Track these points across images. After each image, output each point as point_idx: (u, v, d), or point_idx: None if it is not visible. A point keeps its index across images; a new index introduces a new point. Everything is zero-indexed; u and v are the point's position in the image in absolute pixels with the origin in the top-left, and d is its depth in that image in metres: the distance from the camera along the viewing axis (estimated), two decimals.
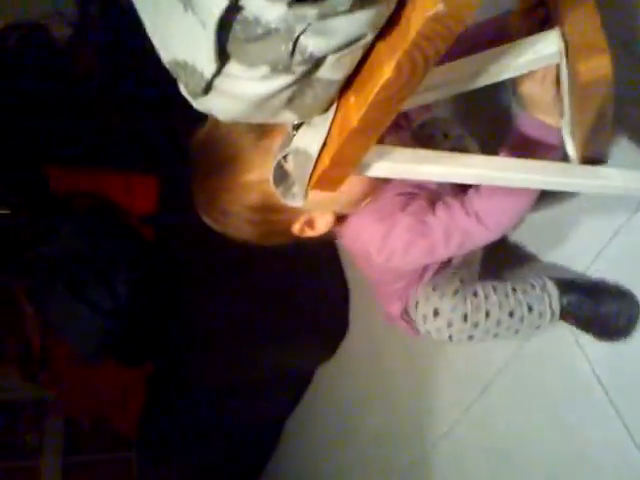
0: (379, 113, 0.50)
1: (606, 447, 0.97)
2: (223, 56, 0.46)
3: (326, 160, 0.57)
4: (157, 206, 2.08)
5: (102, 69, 2.06)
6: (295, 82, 0.48)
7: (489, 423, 1.24)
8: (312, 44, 0.42)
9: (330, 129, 0.56)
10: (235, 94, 0.50)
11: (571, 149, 0.73)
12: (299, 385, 2.13)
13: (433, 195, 0.87)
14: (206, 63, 0.47)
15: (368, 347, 1.77)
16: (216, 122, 0.78)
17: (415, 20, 0.42)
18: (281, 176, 0.66)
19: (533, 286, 0.97)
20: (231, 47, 0.45)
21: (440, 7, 0.39)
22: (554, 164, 0.71)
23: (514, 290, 0.96)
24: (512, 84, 0.92)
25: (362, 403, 1.78)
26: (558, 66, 0.69)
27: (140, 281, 1.91)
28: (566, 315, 0.98)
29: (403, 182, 0.88)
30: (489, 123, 1.16)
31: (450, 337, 0.94)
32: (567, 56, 0.60)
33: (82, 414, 2.62)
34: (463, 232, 0.83)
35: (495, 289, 0.96)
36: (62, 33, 2.07)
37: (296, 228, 0.81)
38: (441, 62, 0.88)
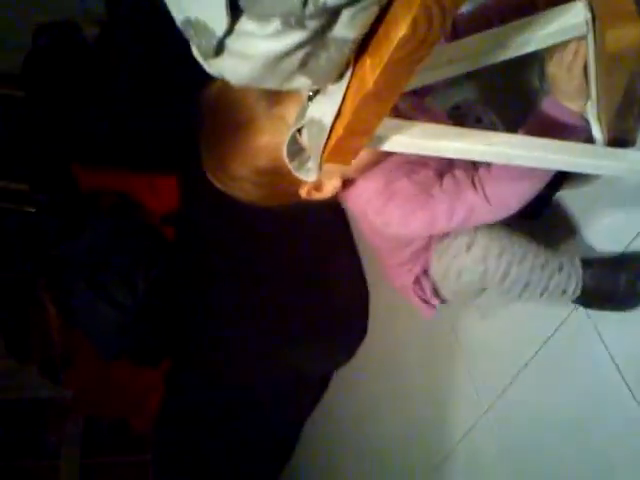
0: (395, 74, 0.48)
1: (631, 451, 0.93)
2: (235, 11, 0.45)
3: (340, 129, 0.56)
4: (179, 205, 2.09)
5: (129, 69, 2.08)
6: (309, 40, 0.47)
7: (508, 425, 1.21)
8: None
9: (345, 97, 0.54)
10: (247, 54, 0.49)
11: (597, 131, 0.71)
12: (318, 388, 2.10)
13: (443, 167, 0.86)
14: (218, 19, 0.46)
15: (385, 350, 1.74)
16: (227, 85, 0.77)
17: None
18: (295, 150, 0.65)
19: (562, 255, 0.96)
20: (243, 0, 0.44)
21: None
22: (578, 145, 0.68)
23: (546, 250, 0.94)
24: (540, 73, 0.91)
25: (379, 406, 1.75)
26: (586, 51, 0.68)
27: (160, 279, 1.91)
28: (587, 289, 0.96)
29: (407, 160, 0.86)
30: (518, 114, 1.13)
31: (484, 272, 0.90)
32: (594, 27, 0.58)
33: (101, 413, 2.62)
34: (468, 208, 0.81)
35: (530, 240, 0.93)
36: (91, 32, 2.10)
37: (303, 191, 0.80)
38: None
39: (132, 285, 1.89)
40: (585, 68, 0.71)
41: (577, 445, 1.04)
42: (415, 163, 0.85)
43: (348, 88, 0.54)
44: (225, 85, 0.76)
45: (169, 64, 2.00)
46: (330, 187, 0.81)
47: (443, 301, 1.02)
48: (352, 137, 0.56)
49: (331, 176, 0.80)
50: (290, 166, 0.65)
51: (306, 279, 1.89)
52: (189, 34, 0.50)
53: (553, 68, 0.73)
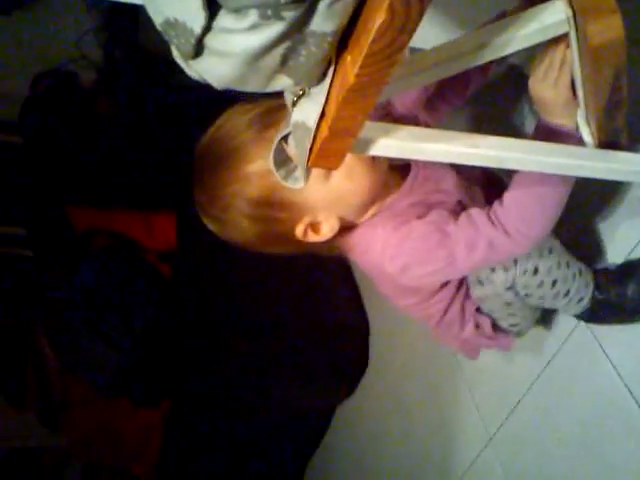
0: (376, 67, 0.48)
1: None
2: (211, 6, 0.45)
3: (324, 130, 0.55)
4: (176, 244, 2.08)
5: (125, 111, 2.11)
6: (287, 33, 0.46)
7: (515, 450, 1.17)
8: None
9: (328, 97, 0.54)
10: (227, 51, 0.48)
11: (586, 134, 0.70)
12: (320, 424, 2.06)
13: (453, 206, 0.84)
14: (196, 17, 0.46)
15: (387, 382, 1.70)
16: (218, 125, 0.77)
17: None
18: (282, 160, 0.64)
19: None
20: None
21: None
22: (569, 147, 0.68)
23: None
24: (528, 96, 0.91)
25: (383, 440, 1.71)
26: (571, 56, 0.68)
27: (157, 318, 1.89)
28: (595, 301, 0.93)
29: (419, 191, 0.85)
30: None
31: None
32: (575, 23, 0.58)
33: (101, 460, 2.56)
34: (488, 243, 0.78)
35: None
36: (88, 76, 2.13)
37: (299, 230, 0.78)
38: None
39: (129, 325, 1.87)
40: (572, 85, 0.72)
41: (586, 465, 1.00)
42: (420, 205, 0.83)
43: (331, 87, 0.53)
44: (214, 128, 0.77)
45: (167, 102, 2.03)
46: (328, 228, 0.79)
47: (505, 331, 0.98)
48: (337, 137, 0.55)
49: (327, 215, 0.78)
50: (277, 175, 0.64)
51: (305, 314, 1.87)
52: (169, 36, 0.50)
53: (538, 86, 0.72)
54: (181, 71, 0.54)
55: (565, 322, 1.04)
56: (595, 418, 0.98)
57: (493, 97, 1.03)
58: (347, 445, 1.95)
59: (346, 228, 0.83)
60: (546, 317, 1.08)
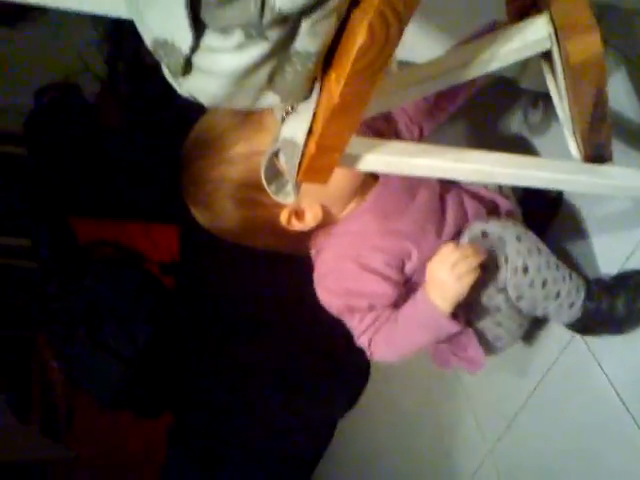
0: (359, 85, 0.49)
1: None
2: (198, 26, 0.47)
3: (312, 147, 0.56)
4: (178, 255, 2.10)
5: (128, 123, 2.14)
6: (272, 53, 0.48)
7: (513, 462, 1.17)
8: (279, 1, 0.42)
9: (315, 114, 0.55)
10: (215, 70, 0.50)
11: (573, 148, 0.71)
12: (322, 437, 2.06)
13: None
14: (183, 36, 0.48)
15: (389, 395, 1.71)
16: (202, 119, 0.80)
17: None
18: (273, 174, 0.66)
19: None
20: (205, 14, 0.46)
21: None
22: (555, 161, 0.69)
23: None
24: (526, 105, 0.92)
25: (384, 453, 1.71)
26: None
27: (160, 329, 1.91)
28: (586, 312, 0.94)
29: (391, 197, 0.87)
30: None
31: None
32: (557, 40, 0.59)
33: (104, 471, 2.57)
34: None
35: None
36: (91, 89, 2.16)
37: (284, 216, 0.81)
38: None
39: (132, 335, 1.88)
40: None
41: (583, 477, 1.00)
42: (383, 219, 0.86)
43: (317, 105, 0.55)
44: (199, 124, 0.79)
45: (169, 114, 2.06)
46: (311, 216, 0.82)
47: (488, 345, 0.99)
48: (324, 154, 0.56)
49: (311, 203, 0.81)
50: (268, 189, 0.65)
51: (306, 327, 1.88)
52: (159, 54, 0.52)
53: (436, 265, 0.79)
54: None
55: (560, 334, 1.05)
56: (590, 430, 0.98)
57: (485, 108, 1.04)
58: (349, 457, 1.95)
59: (324, 224, 0.86)
60: (541, 328, 1.08)
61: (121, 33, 2.04)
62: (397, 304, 0.88)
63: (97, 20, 2.02)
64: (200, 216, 0.83)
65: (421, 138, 0.97)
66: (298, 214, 0.82)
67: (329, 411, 1.98)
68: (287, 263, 1.72)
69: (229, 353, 1.93)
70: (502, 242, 0.85)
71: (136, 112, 2.03)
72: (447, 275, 0.79)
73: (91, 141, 2.11)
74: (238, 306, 1.95)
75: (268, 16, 0.43)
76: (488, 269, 0.86)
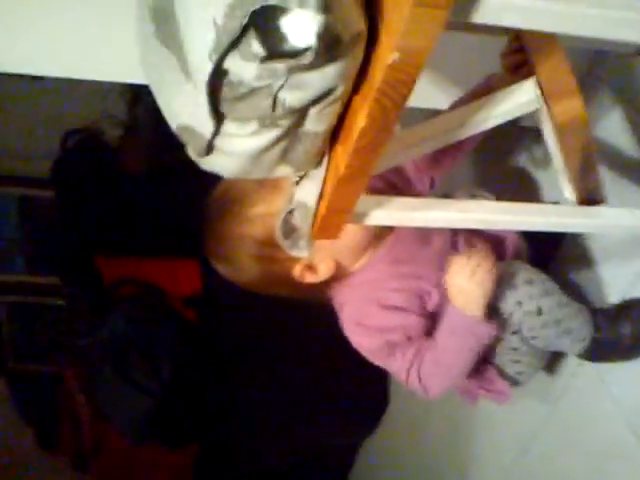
0: (362, 159, 0.55)
1: None
2: (218, 116, 0.53)
3: (323, 209, 0.62)
4: (201, 288, 2.16)
5: (149, 166, 2.22)
6: (284, 136, 0.54)
7: None
8: (289, 97, 0.48)
9: (325, 180, 0.61)
10: (233, 151, 0.56)
11: (568, 192, 0.76)
12: (342, 464, 2.09)
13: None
14: (205, 124, 0.54)
15: (409, 419, 1.74)
16: (224, 183, 0.86)
17: (378, 71, 0.48)
18: (288, 231, 0.71)
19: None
20: (224, 107, 0.52)
21: (396, 55, 0.45)
22: (552, 206, 0.74)
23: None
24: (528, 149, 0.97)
25: (405, 475, 1.74)
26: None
27: (184, 363, 1.96)
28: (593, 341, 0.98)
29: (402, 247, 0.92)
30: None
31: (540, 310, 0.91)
32: (545, 101, 0.65)
33: None
34: (409, 386, 0.91)
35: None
36: (113, 133, 2.25)
37: (296, 270, 0.86)
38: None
39: (157, 370, 1.94)
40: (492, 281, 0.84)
41: None
42: (399, 264, 0.91)
43: (326, 173, 0.61)
44: (221, 182, 0.86)
45: (187, 158, 2.13)
46: (324, 269, 0.87)
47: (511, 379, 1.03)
48: (334, 215, 0.62)
49: (324, 257, 0.86)
50: (283, 245, 0.71)
51: (324, 352, 1.92)
52: (183, 138, 0.58)
53: (455, 277, 0.83)
54: None
55: (570, 362, 1.09)
56: (600, 454, 1.02)
57: (491, 147, 1.09)
58: None
59: (339, 276, 0.91)
60: (552, 358, 1.12)
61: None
62: (431, 334, 0.91)
63: None
64: (221, 268, 0.89)
65: (433, 185, 1.02)
66: (311, 268, 0.87)
67: (349, 437, 2.01)
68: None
69: (251, 382, 1.97)
70: (513, 287, 0.89)
71: (156, 156, 2.10)
72: (468, 283, 0.83)
73: (113, 184, 2.19)
74: (258, 338, 2.00)
75: (280, 110, 0.49)
76: (501, 313, 0.90)
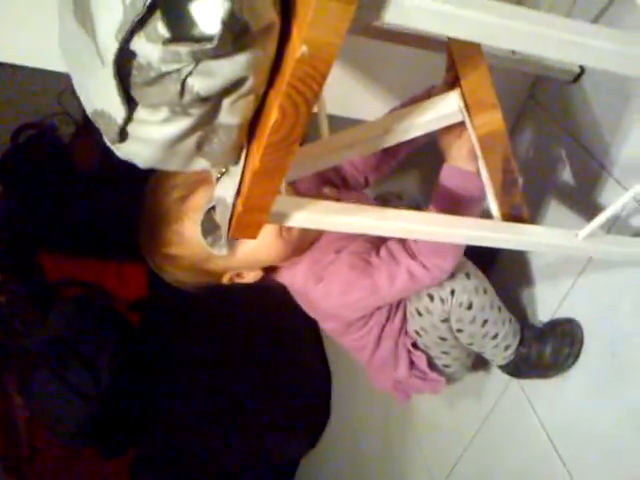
0: (276, 155, 0.55)
1: None
2: (130, 102, 0.52)
3: (239, 206, 0.61)
4: (145, 293, 2.13)
5: (101, 164, 2.18)
6: (197, 126, 0.53)
7: None
8: (198, 84, 0.48)
9: (242, 177, 0.61)
10: (146, 139, 0.55)
11: (493, 208, 0.77)
12: (284, 476, 2.07)
13: (374, 240, 0.91)
14: (117, 109, 0.53)
15: (347, 434, 1.73)
16: (146, 194, 0.88)
17: (288, 64, 0.48)
18: (210, 227, 0.71)
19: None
20: (135, 92, 0.51)
21: (304, 48, 0.45)
22: (474, 220, 0.74)
23: None
24: None
25: None
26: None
27: (123, 367, 1.92)
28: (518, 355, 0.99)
29: (337, 238, 0.91)
30: None
31: (470, 305, 0.91)
32: (468, 113, 0.66)
33: None
34: (409, 275, 0.85)
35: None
36: (67, 130, 2.21)
37: (225, 279, 0.88)
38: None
39: (96, 373, 1.89)
40: None
41: None
42: (342, 239, 0.90)
43: (244, 170, 0.60)
44: (153, 177, 0.85)
45: None
46: (251, 276, 0.89)
47: (439, 371, 1.03)
48: (250, 213, 0.61)
49: (251, 268, 0.88)
50: (204, 242, 0.70)
51: (268, 365, 1.91)
52: (98, 123, 0.57)
53: (444, 136, 0.79)
54: None
55: (499, 378, 1.10)
56: (524, 469, 1.03)
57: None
58: None
59: (272, 267, 0.91)
60: (482, 370, 1.13)
61: None
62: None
63: None
64: (152, 265, 0.89)
65: (367, 186, 1.04)
66: (239, 275, 0.88)
67: (290, 451, 2.00)
68: (251, 301, 1.76)
69: (190, 390, 1.95)
70: (452, 276, 0.91)
71: (108, 155, 2.07)
72: (451, 140, 0.78)
73: (64, 180, 2.15)
74: (201, 342, 1.97)
75: (188, 97, 0.48)
76: (434, 299, 0.91)
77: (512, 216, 0.76)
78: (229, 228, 0.65)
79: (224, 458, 1.96)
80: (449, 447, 1.23)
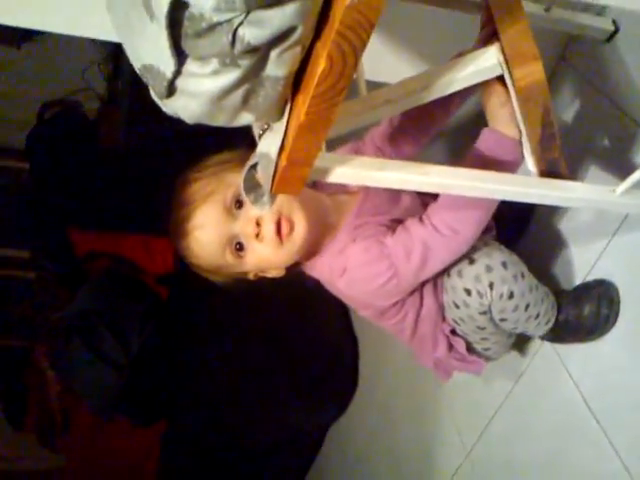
0: (322, 106, 0.56)
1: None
2: (180, 54, 0.53)
3: (284, 160, 0.62)
4: (173, 267, 2.15)
5: (126, 139, 2.21)
6: (245, 78, 0.54)
7: (488, 466, 1.22)
8: (248, 34, 0.49)
9: (286, 131, 0.62)
10: (194, 92, 0.56)
11: (530, 164, 0.77)
12: (313, 443, 2.10)
13: (392, 223, 0.92)
14: (166, 63, 0.54)
15: (376, 401, 1.76)
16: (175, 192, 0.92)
17: (337, 12, 0.48)
18: (251, 185, 0.72)
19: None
20: (185, 44, 0.52)
21: None
22: (512, 175, 0.75)
23: None
24: None
25: (371, 458, 1.75)
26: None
27: (153, 338, 1.95)
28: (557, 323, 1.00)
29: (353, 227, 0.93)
30: None
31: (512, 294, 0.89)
32: (508, 67, 0.66)
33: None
34: (422, 244, 0.86)
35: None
36: (92, 107, 2.24)
37: (250, 277, 0.94)
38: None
39: (126, 344, 1.93)
40: None
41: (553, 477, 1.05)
42: (358, 228, 0.92)
43: (288, 124, 0.61)
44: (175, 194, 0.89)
45: (166, 132, 2.13)
46: (274, 273, 0.93)
47: (479, 354, 1.04)
48: (294, 167, 0.62)
49: (274, 268, 0.93)
50: (246, 199, 0.71)
51: (294, 335, 1.93)
52: (146, 78, 0.58)
53: (487, 98, 0.79)
54: None
55: (532, 342, 1.10)
56: (558, 432, 1.04)
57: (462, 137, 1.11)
58: (339, 464, 1.99)
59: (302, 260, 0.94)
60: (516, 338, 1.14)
61: (121, 53, 2.11)
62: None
63: (99, 41, 2.09)
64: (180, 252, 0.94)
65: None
66: (263, 271, 0.93)
67: (320, 419, 2.03)
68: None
69: (219, 361, 1.98)
70: (488, 269, 0.89)
71: (135, 129, 2.09)
72: (494, 102, 0.77)
73: (90, 156, 2.18)
74: (228, 317, 2.00)
75: (239, 47, 0.49)
76: (471, 294, 0.90)
77: (549, 172, 0.77)
78: (272, 183, 0.66)
79: (253, 428, 2.00)
80: (481, 408, 1.24)
